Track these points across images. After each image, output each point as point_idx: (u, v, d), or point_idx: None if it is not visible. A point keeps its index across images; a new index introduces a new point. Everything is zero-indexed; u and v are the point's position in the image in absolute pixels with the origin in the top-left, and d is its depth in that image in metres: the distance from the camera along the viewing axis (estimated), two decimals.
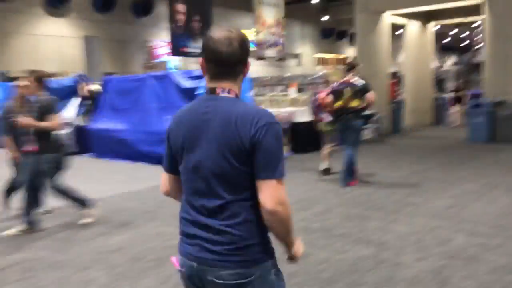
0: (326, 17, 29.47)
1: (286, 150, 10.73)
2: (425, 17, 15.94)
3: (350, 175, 7.30)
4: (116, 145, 10.39)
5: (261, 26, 21.32)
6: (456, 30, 37.50)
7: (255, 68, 22.38)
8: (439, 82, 27.88)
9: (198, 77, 9.30)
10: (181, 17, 18.62)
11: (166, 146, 1.89)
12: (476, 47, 29.27)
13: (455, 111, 15.75)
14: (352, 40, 31.20)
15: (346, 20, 28.84)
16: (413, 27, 16.03)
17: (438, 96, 17.58)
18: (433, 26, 17.01)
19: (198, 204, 1.76)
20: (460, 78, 23.57)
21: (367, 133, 12.75)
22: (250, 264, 1.72)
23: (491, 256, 4.30)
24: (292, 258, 1.93)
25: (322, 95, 7.87)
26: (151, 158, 9.76)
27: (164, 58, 20.01)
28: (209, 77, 1.79)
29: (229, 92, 1.75)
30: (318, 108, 8.35)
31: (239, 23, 23.01)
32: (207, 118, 1.73)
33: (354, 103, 7.06)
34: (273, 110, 10.63)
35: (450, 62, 39.75)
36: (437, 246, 4.60)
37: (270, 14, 21.84)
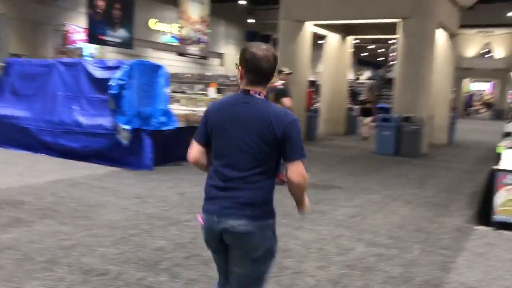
0: (251, 20, 29.72)
1: None
2: (345, 31, 16.54)
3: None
4: (16, 134, 9.60)
5: (185, 21, 20.99)
6: (373, 45, 39.50)
7: (175, 64, 21.99)
8: (354, 94, 29.18)
9: (112, 68, 8.84)
10: (101, 3, 17.78)
11: (202, 125, 2.43)
12: (390, 63, 30.95)
13: (364, 123, 16.35)
14: (275, 45, 31.72)
15: (271, 25, 29.20)
16: (333, 39, 16.56)
17: (351, 107, 18.32)
18: (352, 40, 17.69)
19: (226, 172, 2.33)
20: (373, 91, 24.81)
21: None
22: (256, 219, 2.31)
23: (386, 266, 4.46)
24: (301, 211, 2.55)
25: None
26: (54, 150, 9.16)
27: (80, 44, 18.97)
28: (246, 82, 2.35)
29: (259, 94, 2.35)
30: None
31: (162, 16, 22.44)
32: (243, 111, 2.31)
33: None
34: (188, 109, 10.46)
35: (365, 75, 41.70)
36: (338, 255, 4.69)
37: (195, 11, 21.56)
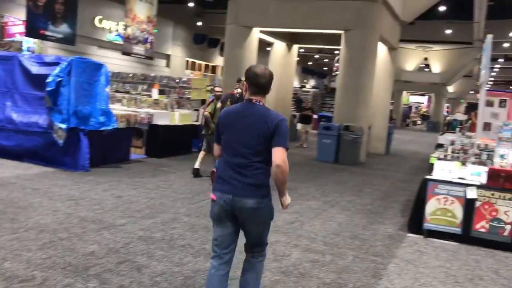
0: (200, 23, 29.53)
1: (139, 153, 10.35)
2: (291, 39, 16.78)
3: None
4: None
5: (131, 20, 20.50)
6: (318, 55, 40.36)
7: (120, 63, 21.43)
8: (299, 101, 29.68)
9: (50, 64, 8.47)
10: None
11: (217, 129, 3.21)
12: (334, 73, 31.77)
13: (303, 130, 16.12)
14: (223, 49, 31.67)
15: (220, 29, 29.13)
16: (279, 47, 16.76)
17: (295, 114, 18.59)
18: (298, 48, 17.98)
19: (234, 161, 3.06)
20: (317, 100, 25.35)
21: None
22: (262, 197, 3.06)
23: (320, 273, 4.52)
24: (282, 204, 3.21)
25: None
26: None
27: (19, 38, 18.04)
28: (250, 93, 3.11)
29: (259, 102, 3.11)
30: (204, 116, 8.98)
31: (108, 14, 21.83)
32: (247, 115, 3.07)
33: None
34: (130, 110, 10.22)
35: (310, 84, 42.49)
36: (273, 261, 4.71)
37: (142, 10, 21.11)
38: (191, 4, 26.90)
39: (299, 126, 16.73)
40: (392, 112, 34.65)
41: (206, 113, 8.74)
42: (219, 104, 8.61)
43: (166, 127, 10.67)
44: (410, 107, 47.50)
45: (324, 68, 52.75)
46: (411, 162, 14.64)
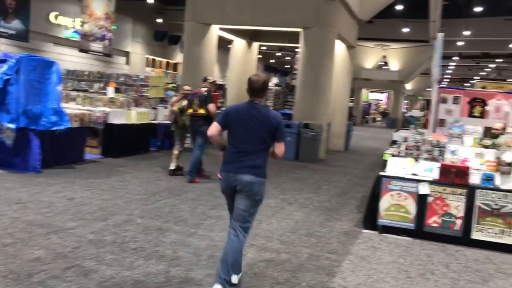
0: (160, 20, 29.08)
1: (95, 153, 10.08)
2: (251, 37, 16.75)
3: (196, 172, 8.53)
4: None
5: (88, 17, 19.98)
6: (280, 53, 40.53)
7: (78, 60, 20.86)
8: None
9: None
10: None
11: (223, 116, 3.98)
12: (294, 71, 31.94)
13: None
14: (183, 46, 31.29)
15: (180, 26, 28.72)
16: (239, 44, 16.69)
17: None
18: (259, 46, 17.96)
19: (242, 147, 3.86)
20: (279, 97, 25.40)
21: (188, 142, 12.75)
22: (257, 175, 3.83)
23: (274, 272, 4.50)
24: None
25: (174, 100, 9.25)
26: None
27: None
28: (250, 95, 3.92)
29: (260, 102, 3.92)
30: (173, 112, 9.30)
31: (64, 10, 21.17)
32: (252, 114, 3.85)
33: (201, 111, 8.40)
34: (84, 109, 9.93)
35: (273, 82, 42.60)
36: None
37: (99, 6, 20.61)
38: (151, 1, 26.46)
39: None
40: (352, 109, 35.31)
41: (174, 108, 8.97)
42: (184, 102, 8.74)
43: (122, 126, 10.43)
44: (369, 104, 48.37)
45: (286, 66, 53.07)
46: (370, 158, 14.88)
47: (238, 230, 3.89)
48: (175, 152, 8.99)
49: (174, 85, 24.74)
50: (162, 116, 12.68)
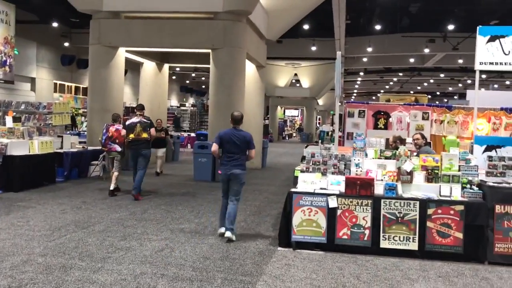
0: (67, 43, 27.92)
1: None
2: (161, 58, 16.53)
3: (139, 190, 9.53)
4: None
5: None
6: (194, 74, 40.50)
7: None
8: (176, 120, 29.36)
9: None
10: None
11: (217, 138, 6.80)
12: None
13: (157, 156, 13.48)
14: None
15: (88, 49, 27.80)
16: (150, 66, 16.40)
17: (172, 134, 18.24)
18: (169, 67, 17.76)
19: (231, 155, 6.72)
20: (195, 118, 25.27)
21: (97, 169, 12.19)
22: (242, 169, 6.78)
23: None
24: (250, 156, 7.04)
25: (112, 129, 9.93)
26: None
27: None
28: (233, 124, 6.82)
29: (239, 128, 6.86)
30: (109, 139, 9.92)
31: None
32: (235, 135, 6.75)
33: (144, 135, 9.50)
34: None
35: (189, 102, 42.37)
36: None
37: None
38: (55, 24, 25.32)
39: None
40: (268, 126, 36.00)
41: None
42: (123, 132, 9.68)
43: (23, 157, 9.75)
44: (285, 121, 49.62)
45: (203, 86, 53.11)
46: (285, 174, 15.13)
47: (234, 200, 6.74)
48: (116, 173, 9.78)
49: (85, 110, 23.76)
50: (69, 143, 12.05)
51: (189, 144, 22.79)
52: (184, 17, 12.94)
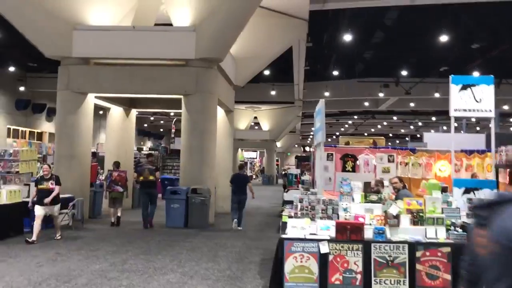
0: (22, 88, 27.26)
1: None
2: (129, 104, 16.43)
3: (152, 217, 12.31)
4: None
5: None
6: (153, 117, 40.27)
7: None
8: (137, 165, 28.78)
9: None
10: None
11: (232, 180, 12.78)
12: (172, 135, 31.80)
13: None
14: (50, 115, 29.48)
15: (45, 93, 27.19)
16: (116, 111, 16.23)
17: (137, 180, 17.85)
18: (136, 112, 17.64)
19: (239, 189, 12.50)
20: (156, 162, 24.89)
21: (66, 218, 11.73)
22: (245, 196, 12.62)
23: None
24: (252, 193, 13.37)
25: (115, 174, 12.58)
26: None
27: None
28: (239, 169, 13.79)
29: (243, 172, 14.14)
30: (112, 182, 12.44)
31: None
32: (240, 176, 12.94)
33: (151, 177, 12.34)
34: None
35: (147, 146, 41.86)
36: None
37: None
38: (12, 68, 24.74)
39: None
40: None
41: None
42: (135, 175, 13.23)
43: (4, 206, 9.30)
44: (246, 163, 49.81)
45: (161, 130, 52.77)
46: (257, 218, 15.10)
47: (241, 209, 12.27)
48: (117, 210, 12.29)
49: (40, 155, 22.98)
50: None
51: None
52: (156, 64, 13.03)
